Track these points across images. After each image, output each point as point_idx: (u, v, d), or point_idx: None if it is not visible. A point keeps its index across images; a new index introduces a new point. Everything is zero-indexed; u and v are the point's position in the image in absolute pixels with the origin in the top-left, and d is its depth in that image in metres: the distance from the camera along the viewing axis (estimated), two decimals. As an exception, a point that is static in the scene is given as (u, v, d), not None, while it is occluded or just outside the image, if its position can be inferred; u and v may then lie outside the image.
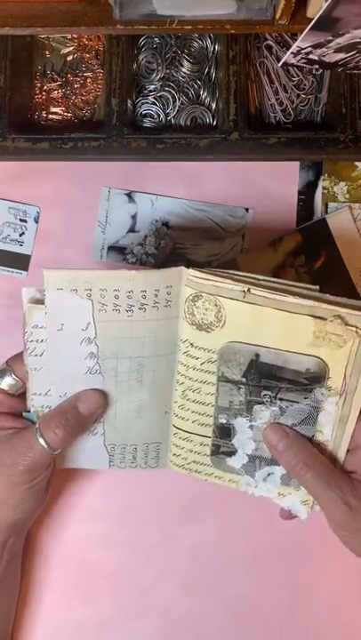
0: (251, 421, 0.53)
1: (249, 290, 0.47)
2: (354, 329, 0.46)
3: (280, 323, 0.47)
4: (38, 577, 0.60)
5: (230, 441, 0.54)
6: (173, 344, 0.51)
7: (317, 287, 0.48)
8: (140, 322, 0.50)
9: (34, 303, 0.50)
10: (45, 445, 0.50)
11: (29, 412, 0.54)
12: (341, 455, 0.51)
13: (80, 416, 0.52)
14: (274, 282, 0.48)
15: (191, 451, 0.56)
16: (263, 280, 0.48)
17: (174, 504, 0.61)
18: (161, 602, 0.60)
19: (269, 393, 0.51)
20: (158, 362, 0.52)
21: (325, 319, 0.46)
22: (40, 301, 0.49)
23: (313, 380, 0.50)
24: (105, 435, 0.55)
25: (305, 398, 0.50)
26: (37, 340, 0.51)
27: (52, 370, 0.52)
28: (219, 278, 0.47)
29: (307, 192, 0.64)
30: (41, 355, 0.51)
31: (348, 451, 0.51)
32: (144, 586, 0.61)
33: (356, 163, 0.64)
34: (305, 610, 0.60)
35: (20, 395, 0.54)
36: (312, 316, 0.47)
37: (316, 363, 0.49)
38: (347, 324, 0.46)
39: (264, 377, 0.50)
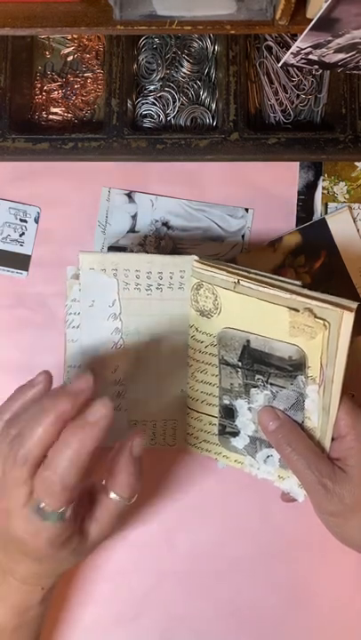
0: (249, 403, 0.55)
1: (239, 281, 0.51)
2: (322, 321, 0.48)
3: (264, 312, 0.50)
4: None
5: (234, 422, 0.57)
6: (186, 324, 0.56)
7: (300, 282, 0.51)
8: (158, 300, 0.56)
9: (75, 279, 0.56)
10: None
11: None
12: (327, 442, 0.53)
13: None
14: (262, 275, 0.51)
15: (202, 430, 0.59)
16: (253, 273, 0.51)
17: (174, 505, 0.62)
18: (160, 603, 0.60)
19: (262, 377, 0.54)
20: (173, 340, 0.57)
21: (298, 311, 0.49)
22: (78, 277, 0.55)
23: (296, 367, 0.52)
24: (128, 411, 0.59)
25: (291, 384, 0.53)
26: (74, 313, 0.57)
27: (84, 343, 0.57)
28: (215, 269, 0.52)
29: (307, 192, 0.64)
30: (77, 327, 0.57)
31: (333, 439, 0.53)
32: (143, 587, 0.61)
33: (356, 163, 0.64)
34: (304, 611, 0.60)
35: None
36: (287, 307, 0.49)
37: (297, 351, 0.51)
38: (316, 317, 0.48)
39: (256, 362, 0.53)
